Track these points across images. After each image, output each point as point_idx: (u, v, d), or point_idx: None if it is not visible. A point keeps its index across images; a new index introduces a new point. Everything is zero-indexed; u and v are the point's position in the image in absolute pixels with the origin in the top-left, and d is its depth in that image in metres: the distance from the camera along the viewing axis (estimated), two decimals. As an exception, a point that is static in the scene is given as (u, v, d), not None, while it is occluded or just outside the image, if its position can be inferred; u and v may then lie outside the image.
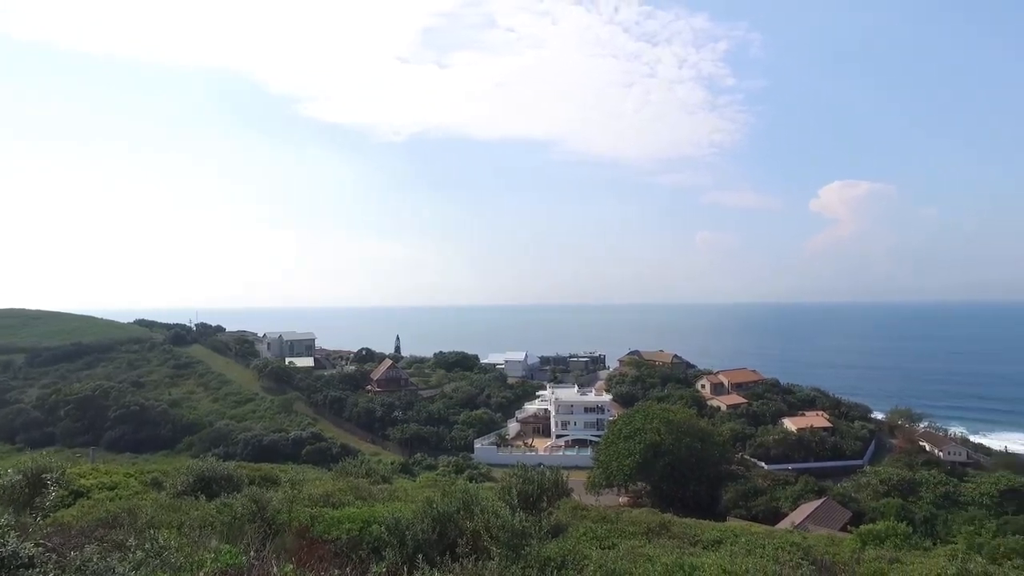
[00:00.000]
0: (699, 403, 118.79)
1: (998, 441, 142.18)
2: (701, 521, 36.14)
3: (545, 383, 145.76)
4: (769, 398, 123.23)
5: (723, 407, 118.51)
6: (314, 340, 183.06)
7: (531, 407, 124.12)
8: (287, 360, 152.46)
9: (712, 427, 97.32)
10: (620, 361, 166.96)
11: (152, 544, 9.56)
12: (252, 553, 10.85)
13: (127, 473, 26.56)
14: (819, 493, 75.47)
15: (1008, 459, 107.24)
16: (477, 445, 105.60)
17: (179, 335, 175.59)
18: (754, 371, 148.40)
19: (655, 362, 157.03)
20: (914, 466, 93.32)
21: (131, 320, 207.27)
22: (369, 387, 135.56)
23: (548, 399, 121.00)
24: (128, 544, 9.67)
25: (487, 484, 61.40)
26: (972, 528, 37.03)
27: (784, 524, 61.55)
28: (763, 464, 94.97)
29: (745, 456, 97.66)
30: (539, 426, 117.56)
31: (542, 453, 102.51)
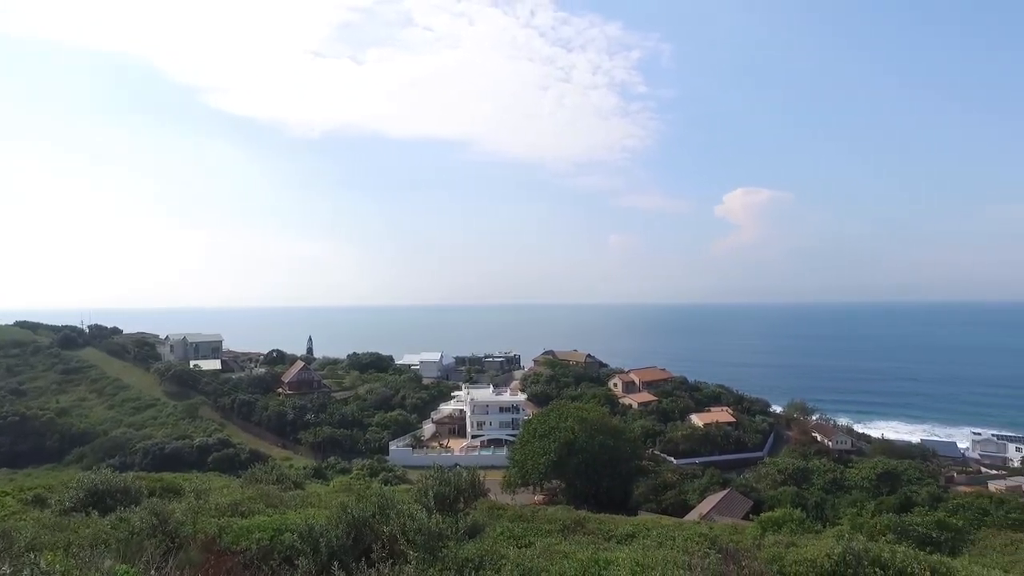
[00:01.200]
0: (612, 401, 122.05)
1: (876, 430, 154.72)
2: (615, 516, 37.13)
3: (460, 383, 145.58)
4: (678, 395, 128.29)
5: (634, 405, 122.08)
6: (221, 342, 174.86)
7: (446, 408, 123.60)
8: (192, 363, 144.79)
9: (624, 424, 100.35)
10: (535, 361, 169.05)
11: (32, 570, 8.34)
12: (153, 571, 10.17)
13: (3, 491, 24.17)
14: (724, 485, 79.12)
15: (885, 445, 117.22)
16: (392, 447, 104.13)
17: (68, 337, 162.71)
18: (664, 370, 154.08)
19: (569, 361, 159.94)
20: (807, 456, 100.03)
21: (10, 322, 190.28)
22: (280, 390, 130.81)
23: (463, 399, 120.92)
24: (2, 572, 8.40)
25: (403, 486, 60.56)
26: (855, 510, 40.00)
27: (692, 516, 64.23)
28: (672, 459, 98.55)
29: (656, 452, 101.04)
30: (455, 427, 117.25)
31: (458, 454, 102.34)
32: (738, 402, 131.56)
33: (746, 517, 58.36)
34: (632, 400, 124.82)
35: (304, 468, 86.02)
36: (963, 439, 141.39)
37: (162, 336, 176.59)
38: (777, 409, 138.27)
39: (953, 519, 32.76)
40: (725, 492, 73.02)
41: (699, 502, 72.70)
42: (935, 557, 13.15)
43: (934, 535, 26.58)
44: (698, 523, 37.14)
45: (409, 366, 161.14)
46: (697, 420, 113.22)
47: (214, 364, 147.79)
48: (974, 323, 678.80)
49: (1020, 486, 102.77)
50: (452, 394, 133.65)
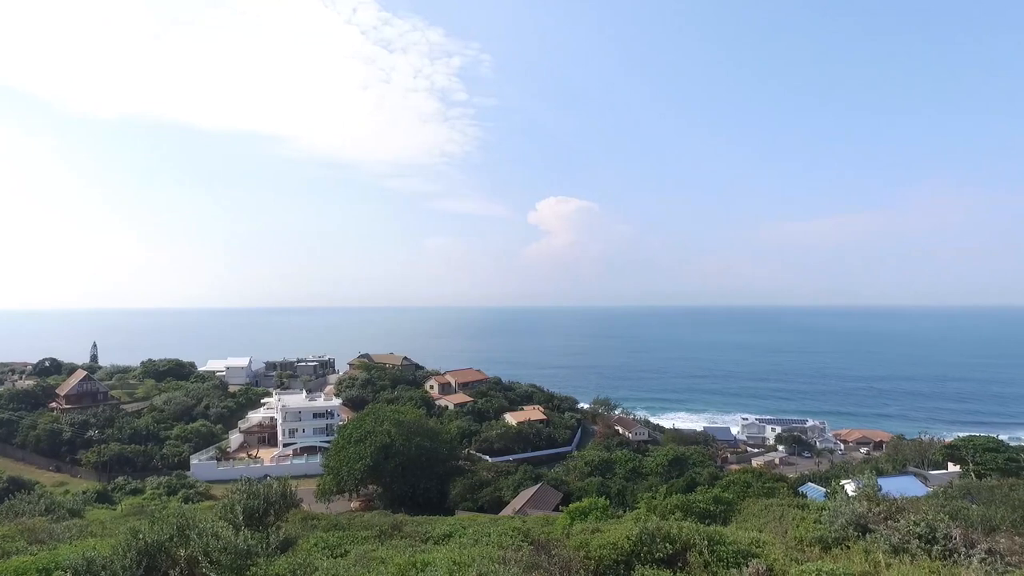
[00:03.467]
0: (428, 403, 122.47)
1: (668, 420, 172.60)
2: (432, 517, 37.29)
3: (271, 390, 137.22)
4: (492, 396, 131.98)
5: (451, 406, 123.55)
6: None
7: (256, 416, 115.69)
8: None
9: (441, 426, 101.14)
10: (350, 364, 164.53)
11: None
12: None
13: None
14: (536, 479, 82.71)
15: (675, 434, 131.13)
16: (194, 461, 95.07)
17: None
18: (479, 371, 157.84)
19: (386, 364, 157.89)
20: (610, 447, 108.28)
21: None
22: (55, 404, 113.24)
23: (274, 406, 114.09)
24: None
25: (206, 503, 55.66)
26: (650, 494, 43.93)
27: (507, 511, 66.49)
28: (488, 457, 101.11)
29: (472, 451, 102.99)
30: (265, 435, 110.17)
31: (269, 464, 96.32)
32: (549, 400, 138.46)
33: (557, 508, 61.64)
34: (448, 401, 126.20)
35: (84, 493, 75.63)
36: (735, 424, 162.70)
37: None
38: (584, 405, 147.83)
39: (725, 494, 37.46)
40: (538, 486, 76.38)
41: (513, 497, 75.22)
42: (711, 528, 15.04)
43: (711, 509, 30.33)
44: (512, 518, 38.62)
45: (214, 373, 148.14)
46: (511, 419, 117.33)
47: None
48: (748, 325, 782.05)
49: (774, 460, 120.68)
50: (262, 401, 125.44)
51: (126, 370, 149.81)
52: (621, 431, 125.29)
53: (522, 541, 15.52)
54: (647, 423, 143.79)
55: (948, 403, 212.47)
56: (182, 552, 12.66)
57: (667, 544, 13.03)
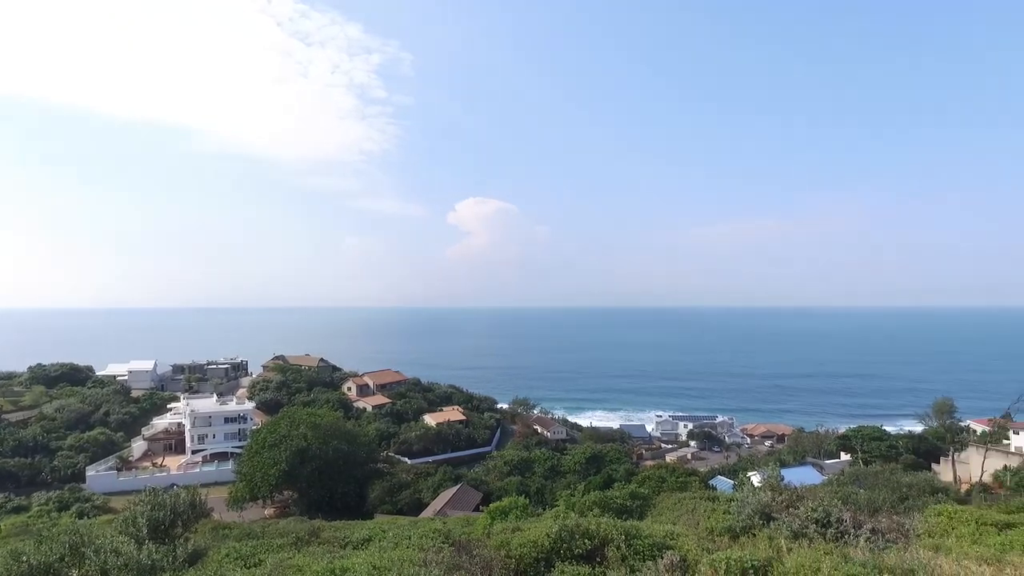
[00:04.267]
0: (346, 405, 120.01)
1: (585, 419, 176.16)
2: (351, 522, 36.58)
3: (179, 394, 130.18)
4: (412, 397, 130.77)
5: (369, 408, 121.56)
6: None
7: (161, 422, 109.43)
8: None
9: (359, 428, 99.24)
10: (264, 367, 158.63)
11: None
12: None
13: None
14: (456, 480, 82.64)
15: (592, 433, 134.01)
16: (91, 472, 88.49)
17: None
18: (398, 372, 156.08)
19: (302, 366, 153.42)
20: (530, 447, 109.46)
21: None
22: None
23: (182, 411, 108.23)
24: None
25: (105, 517, 52.13)
26: (568, 492, 44.94)
27: (427, 513, 66.03)
28: (407, 459, 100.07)
29: (390, 453, 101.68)
30: (172, 442, 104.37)
31: (176, 472, 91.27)
32: (468, 401, 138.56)
33: (477, 508, 61.80)
34: (367, 403, 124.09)
35: (-45, 515, 69.03)
36: (650, 422, 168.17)
37: None
38: (503, 406, 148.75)
39: (641, 489, 38.87)
40: (458, 487, 76.33)
41: (434, 499, 74.88)
42: (628, 522, 15.55)
43: (628, 504, 31.38)
44: (433, 519, 38.42)
45: (114, 377, 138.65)
46: (430, 420, 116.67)
47: None
48: (661, 325, 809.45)
49: (686, 455, 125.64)
50: (168, 406, 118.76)
51: (10, 376, 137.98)
52: (540, 430, 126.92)
53: (443, 542, 15.51)
54: (565, 422, 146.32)
55: (840, 398, 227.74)
56: (75, 573, 11.84)
57: (586, 540, 13.37)
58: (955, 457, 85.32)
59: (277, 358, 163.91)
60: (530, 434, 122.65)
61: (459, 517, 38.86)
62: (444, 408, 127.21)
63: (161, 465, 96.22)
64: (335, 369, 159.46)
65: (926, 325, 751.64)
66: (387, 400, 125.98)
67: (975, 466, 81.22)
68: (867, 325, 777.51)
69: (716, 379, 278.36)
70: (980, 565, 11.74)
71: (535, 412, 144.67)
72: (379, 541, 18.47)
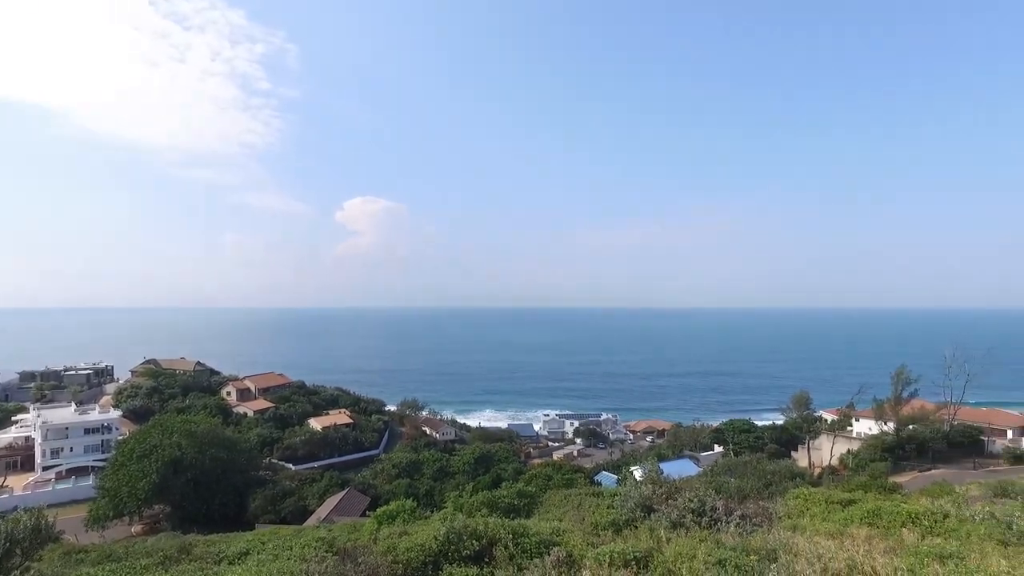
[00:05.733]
0: (225, 411, 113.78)
1: (474, 419, 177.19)
2: (228, 534, 34.56)
3: (28, 404, 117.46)
4: (296, 400, 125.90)
5: (250, 413, 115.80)
6: None
7: (5, 436, 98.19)
8: None
9: (240, 434, 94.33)
10: (133, 372, 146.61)
11: None
12: None
13: None
14: (343, 485, 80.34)
15: (481, 433, 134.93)
16: (-90, 500, 77.85)
17: None
18: (282, 375, 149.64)
19: (176, 370, 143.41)
20: (418, 449, 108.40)
21: None
22: None
23: (32, 423, 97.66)
24: None
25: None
26: (456, 493, 44.91)
27: (312, 520, 63.67)
28: (291, 465, 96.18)
29: (273, 460, 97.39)
30: (17, 459, 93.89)
31: (23, 493, 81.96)
32: (355, 403, 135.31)
33: (364, 514, 60.44)
34: (248, 408, 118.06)
35: None
36: (537, 421, 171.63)
37: None
38: (391, 408, 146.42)
39: (528, 487, 39.57)
40: (344, 492, 74.30)
41: (319, 506, 72.59)
42: (516, 521, 15.73)
43: (516, 503, 31.81)
44: (317, 527, 37.06)
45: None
46: (316, 424, 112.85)
47: None
48: (550, 326, 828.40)
49: (572, 452, 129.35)
50: (14, 418, 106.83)
51: None
52: (429, 432, 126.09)
53: (326, 551, 14.95)
54: (454, 423, 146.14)
55: (714, 395, 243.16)
56: None
57: (474, 541, 13.37)
58: (810, 444, 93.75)
59: (148, 362, 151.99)
60: (419, 436, 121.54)
61: (345, 523, 37.76)
62: (331, 411, 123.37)
63: (3, 486, 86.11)
64: (214, 373, 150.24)
65: (786, 326, 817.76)
66: (270, 404, 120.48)
67: (825, 451, 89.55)
68: (735, 325, 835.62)
69: (600, 379, 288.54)
70: (827, 539, 13.08)
71: (424, 414, 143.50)
72: (257, 554, 17.52)
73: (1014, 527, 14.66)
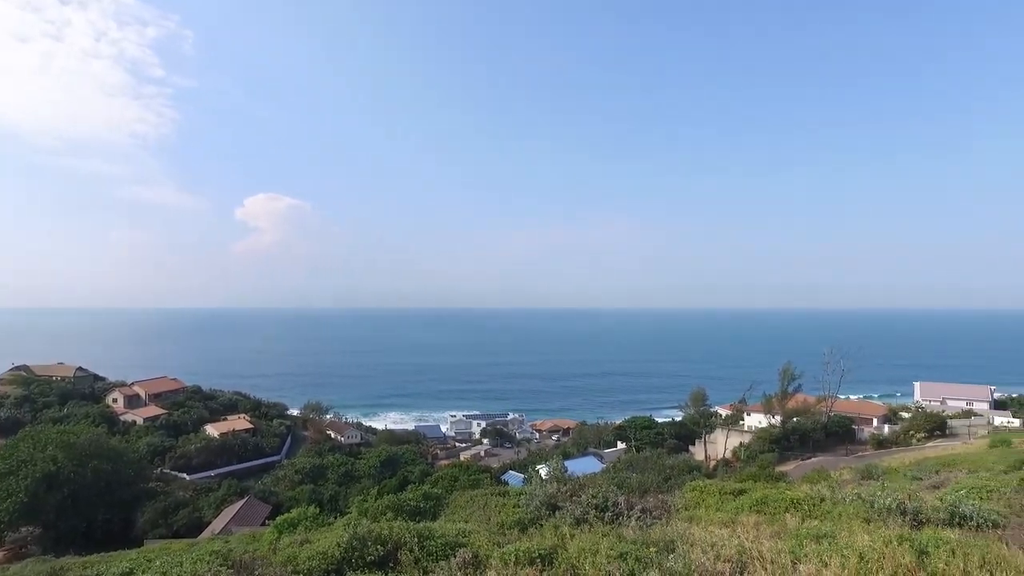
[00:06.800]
0: (110, 420, 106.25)
1: (381, 422, 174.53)
2: (110, 554, 32.32)
3: None
4: (191, 406, 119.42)
5: (139, 421, 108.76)
6: None
7: None
8: None
9: (126, 444, 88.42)
10: (0, 380, 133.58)
11: None
12: None
13: None
14: (242, 494, 76.89)
15: (387, 435, 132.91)
16: None
17: None
18: (175, 379, 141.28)
19: (52, 377, 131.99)
20: (323, 453, 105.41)
21: None
22: None
23: None
24: None
25: None
26: (361, 497, 43.90)
27: (207, 533, 60.45)
28: (186, 475, 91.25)
29: (166, 470, 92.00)
30: None
31: None
32: (256, 408, 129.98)
33: (265, 523, 58.07)
34: (137, 416, 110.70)
35: None
36: (444, 422, 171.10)
37: None
38: (294, 411, 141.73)
39: (435, 489, 39.37)
40: (243, 501, 71.13)
41: (216, 517, 69.18)
42: (422, 524, 15.62)
43: (422, 505, 31.60)
44: (213, 540, 35.25)
45: None
46: (213, 430, 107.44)
47: None
48: (458, 326, 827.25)
49: (479, 452, 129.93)
50: None
51: None
52: (333, 435, 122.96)
53: (221, 565, 14.22)
54: (360, 426, 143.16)
55: (617, 394, 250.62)
56: None
57: (378, 546, 13.13)
58: (706, 438, 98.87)
59: (17, 368, 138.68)
60: (323, 440, 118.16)
61: (244, 534, 36.12)
62: (229, 417, 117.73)
63: None
64: (98, 379, 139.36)
65: (688, 326, 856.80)
66: (162, 411, 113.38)
67: (720, 445, 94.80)
68: (639, 326, 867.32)
69: (507, 380, 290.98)
70: (721, 528, 13.90)
71: (328, 417, 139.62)
72: (142, 573, 16.42)
73: (875, 505, 16.37)
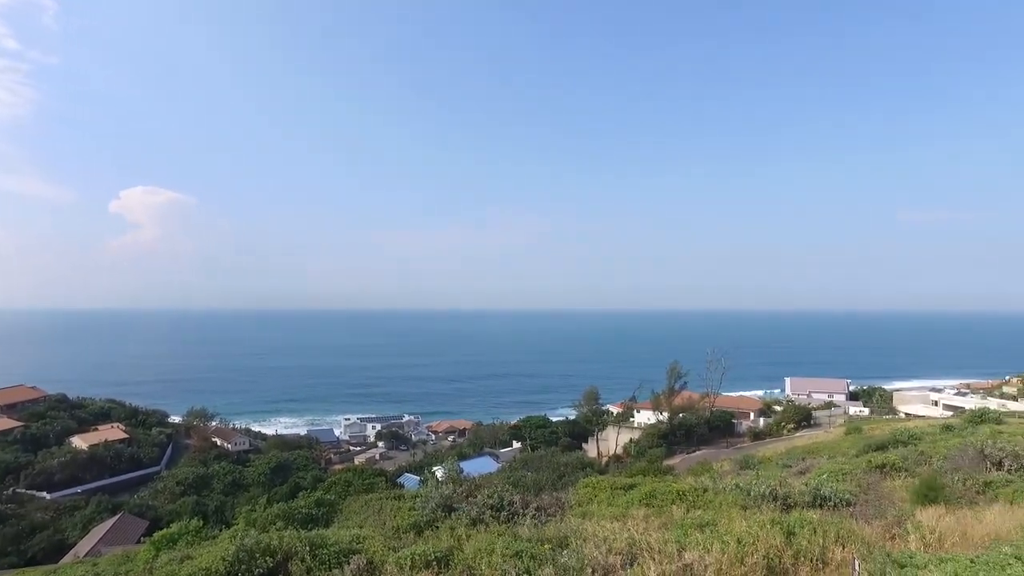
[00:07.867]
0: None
1: (271, 427, 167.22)
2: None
3: None
4: (54, 416, 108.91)
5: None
6: None
7: None
8: None
9: (-28, 462, 79.53)
10: None
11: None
12: None
13: None
14: (114, 510, 71.15)
15: (278, 441, 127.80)
16: None
17: None
18: (34, 388, 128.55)
19: None
20: (207, 462, 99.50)
21: None
22: None
23: None
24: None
25: None
26: (249, 507, 41.82)
27: (69, 557, 55.42)
28: (45, 494, 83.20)
29: (18, 489, 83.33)
30: None
31: None
32: (132, 416, 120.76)
33: (141, 540, 54.10)
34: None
35: None
36: (337, 426, 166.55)
37: None
38: (176, 419, 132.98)
39: (327, 495, 38.31)
40: (116, 518, 65.83)
41: (83, 537, 63.57)
42: (314, 532, 15.13)
43: (314, 513, 30.65)
44: (78, 563, 32.40)
45: None
46: (81, 442, 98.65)
47: None
48: (352, 328, 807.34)
49: (375, 455, 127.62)
50: None
51: None
52: (220, 442, 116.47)
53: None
54: (249, 432, 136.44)
55: (513, 394, 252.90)
56: None
57: (267, 557, 12.61)
58: (599, 436, 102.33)
59: None
60: (208, 448, 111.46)
61: (115, 555, 33.37)
62: (100, 427, 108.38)
63: None
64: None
65: (582, 327, 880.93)
66: (17, 423, 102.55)
67: (612, 441, 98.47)
68: (534, 327, 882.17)
69: (403, 383, 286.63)
70: (612, 522, 14.52)
71: (214, 423, 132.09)
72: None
73: (751, 493, 18.28)
